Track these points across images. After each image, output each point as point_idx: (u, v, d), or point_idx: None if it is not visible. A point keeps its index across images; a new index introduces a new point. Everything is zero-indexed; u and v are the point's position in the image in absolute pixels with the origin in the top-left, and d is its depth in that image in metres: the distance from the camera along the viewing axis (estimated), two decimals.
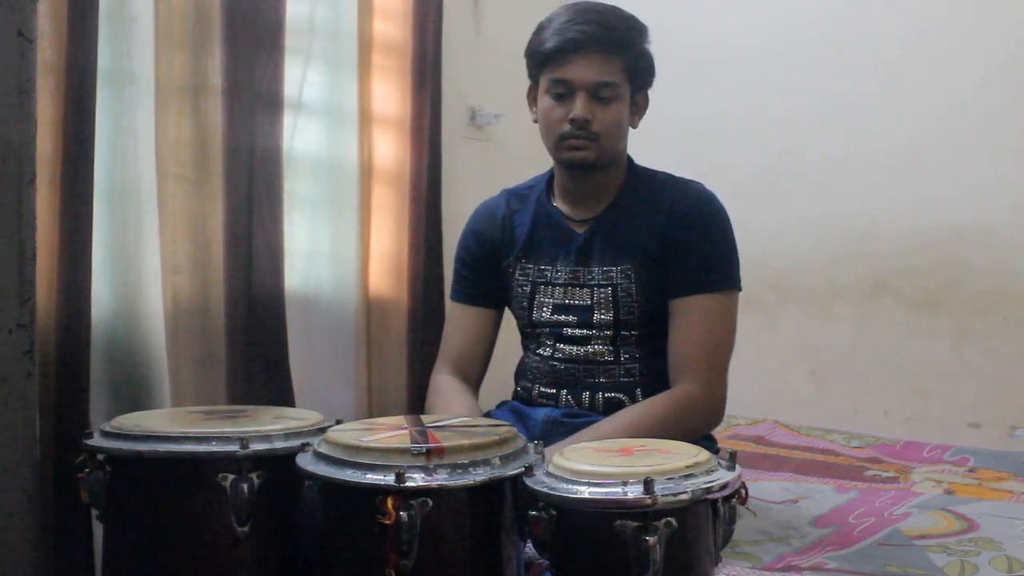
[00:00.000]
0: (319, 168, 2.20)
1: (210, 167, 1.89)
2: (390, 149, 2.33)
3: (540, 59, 1.70)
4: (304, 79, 2.15)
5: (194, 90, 1.86)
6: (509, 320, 1.87)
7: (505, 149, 2.76)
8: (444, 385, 1.79)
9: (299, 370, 2.07)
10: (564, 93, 1.67)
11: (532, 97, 1.77)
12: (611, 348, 1.73)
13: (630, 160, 1.80)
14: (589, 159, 1.69)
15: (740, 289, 1.72)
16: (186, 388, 1.84)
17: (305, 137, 2.16)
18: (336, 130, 2.22)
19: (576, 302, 1.74)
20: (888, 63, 2.71)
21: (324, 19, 2.21)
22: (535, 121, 1.75)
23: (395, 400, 2.29)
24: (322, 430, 1.29)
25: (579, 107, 1.66)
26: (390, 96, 2.32)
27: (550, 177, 1.83)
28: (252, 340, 1.95)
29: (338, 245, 2.23)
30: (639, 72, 1.71)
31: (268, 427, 1.30)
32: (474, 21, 2.74)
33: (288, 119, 2.07)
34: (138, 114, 1.80)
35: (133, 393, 1.78)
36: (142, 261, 1.81)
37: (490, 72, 2.65)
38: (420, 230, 2.35)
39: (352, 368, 2.25)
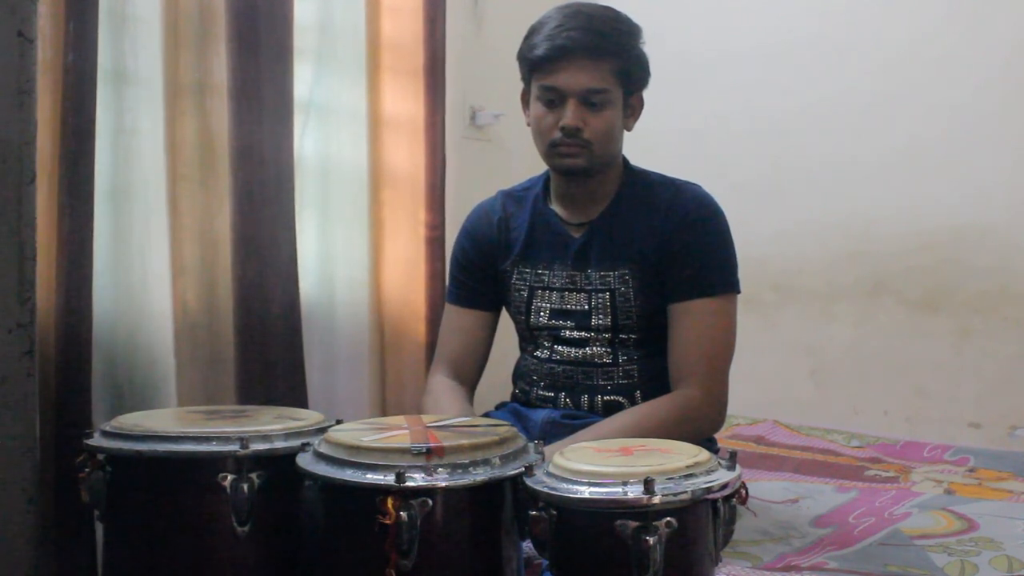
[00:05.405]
0: (330, 170, 2.19)
1: (217, 168, 1.87)
2: (401, 151, 2.30)
3: (530, 65, 1.68)
4: (313, 80, 2.14)
5: (200, 90, 1.85)
6: (508, 321, 1.87)
7: (505, 149, 2.76)
8: (439, 387, 1.77)
9: (312, 374, 2.05)
10: (554, 100, 1.65)
11: (525, 100, 1.75)
12: (609, 350, 1.72)
13: (626, 162, 1.78)
14: (581, 166, 1.67)
15: (739, 292, 1.71)
16: (193, 390, 1.82)
17: (315, 138, 2.14)
18: (346, 131, 2.21)
19: (574, 307, 1.73)
20: (888, 64, 2.71)
21: (333, 18, 2.19)
22: (529, 125, 1.74)
23: (411, 406, 2.23)
24: (322, 430, 1.29)
25: (569, 115, 1.63)
26: (401, 97, 2.29)
27: (546, 179, 1.81)
28: (265, 343, 1.92)
29: (350, 248, 2.21)
30: (631, 75, 1.68)
31: (268, 427, 1.29)
32: (474, 21, 2.74)
33: (298, 120, 2.05)
34: (141, 114, 1.79)
35: (139, 394, 1.77)
36: (147, 261, 1.80)
37: (490, 72, 2.64)
38: (436, 232, 2.32)
39: (366, 373, 2.23)
